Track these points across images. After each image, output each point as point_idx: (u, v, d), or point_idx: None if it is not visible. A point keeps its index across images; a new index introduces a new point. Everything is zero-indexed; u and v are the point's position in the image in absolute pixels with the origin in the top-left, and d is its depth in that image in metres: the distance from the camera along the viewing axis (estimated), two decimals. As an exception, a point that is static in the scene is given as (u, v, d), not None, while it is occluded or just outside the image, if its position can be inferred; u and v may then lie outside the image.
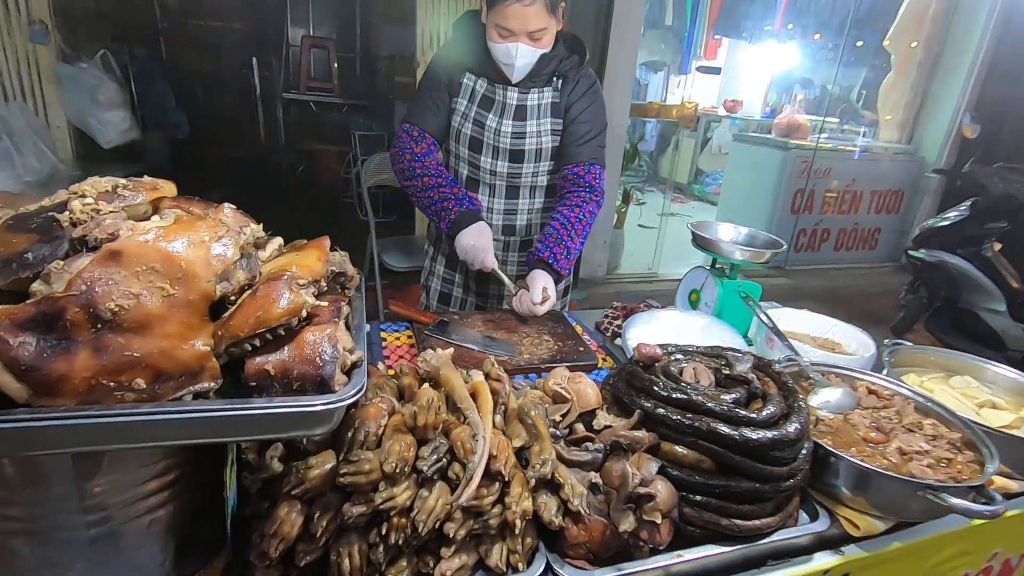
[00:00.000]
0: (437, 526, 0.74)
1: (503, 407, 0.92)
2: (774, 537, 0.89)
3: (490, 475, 0.76)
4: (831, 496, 1.00)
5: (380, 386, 0.92)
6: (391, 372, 1.12)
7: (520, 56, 1.39)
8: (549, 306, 1.45)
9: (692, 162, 8.03)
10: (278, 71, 6.24)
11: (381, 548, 0.71)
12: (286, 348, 0.59)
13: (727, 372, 0.97)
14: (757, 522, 0.86)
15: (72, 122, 3.03)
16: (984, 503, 0.90)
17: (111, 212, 0.59)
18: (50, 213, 0.59)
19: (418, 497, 0.74)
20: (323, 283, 0.69)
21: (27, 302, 0.52)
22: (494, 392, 0.94)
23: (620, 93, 3.81)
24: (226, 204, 0.65)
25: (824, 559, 0.93)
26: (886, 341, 1.46)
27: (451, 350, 0.95)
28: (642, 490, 0.79)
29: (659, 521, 0.78)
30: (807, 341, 1.51)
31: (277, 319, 0.57)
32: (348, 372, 0.63)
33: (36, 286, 0.53)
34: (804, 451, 0.90)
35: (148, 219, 0.61)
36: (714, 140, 7.75)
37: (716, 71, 7.20)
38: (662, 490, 0.81)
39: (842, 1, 6.12)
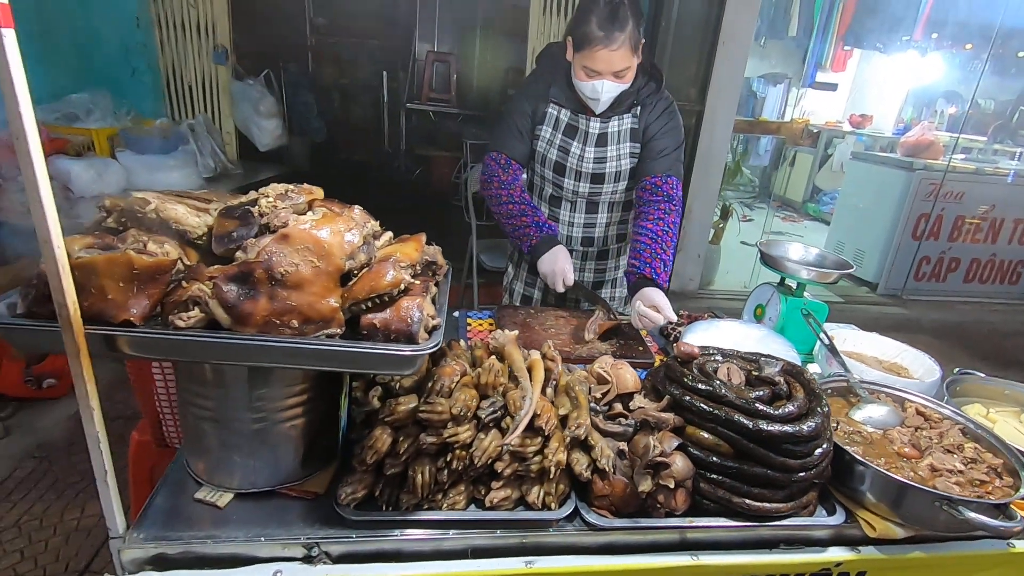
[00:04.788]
0: (489, 463, 0.95)
1: (554, 382, 1.11)
2: (787, 522, 1.00)
3: (533, 430, 0.96)
4: (856, 501, 1.07)
5: (458, 355, 1.15)
6: (469, 347, 1.33)
7: (605, 92, 1.56)
8: (666, 321, 1.52)
9: (808, 179, 7.63)
10: (404, 83, 6.83)
11: (446, 472, 0.94)
12: (388, 310, 0.83)
13: (756, 374, 1.08)
14: (768, 505, 0.98)
15: (239, 129, 3.64)
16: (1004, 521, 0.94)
17: (283, 208, 0.87)
18: (246, 207, 0.87)
19: (476, 438, 0.95)
20: (418, 267, 0.93)
21: (232, 264, 0.81)
22: (548, 369, 1.13)
23: (723, 108, 3.82)
24: (356, 206, 0.91)
25: (838, 553, 1.02)
26: (956, 369, 1.45)
27: (516, 332, 1.16)
28: (660, 459, 0.94)
29: (672, 486, 0.93)
30: (872, 363, 1.54)
31: (384, 288, 0.81)
32: (430, 332, 0.86)
33: (238, 254, 0.82)
34: (820, 450, 1.00)
35: (305, 214, 0.89)
36: (835, 157, 7.30)
37: (832, 87, 6.79)
38: (679, 463, 0.96)
39: (999, 8, 5.55)
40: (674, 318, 1.50)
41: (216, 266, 0.82)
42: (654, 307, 1.50)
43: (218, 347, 0.78)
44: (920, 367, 1.48)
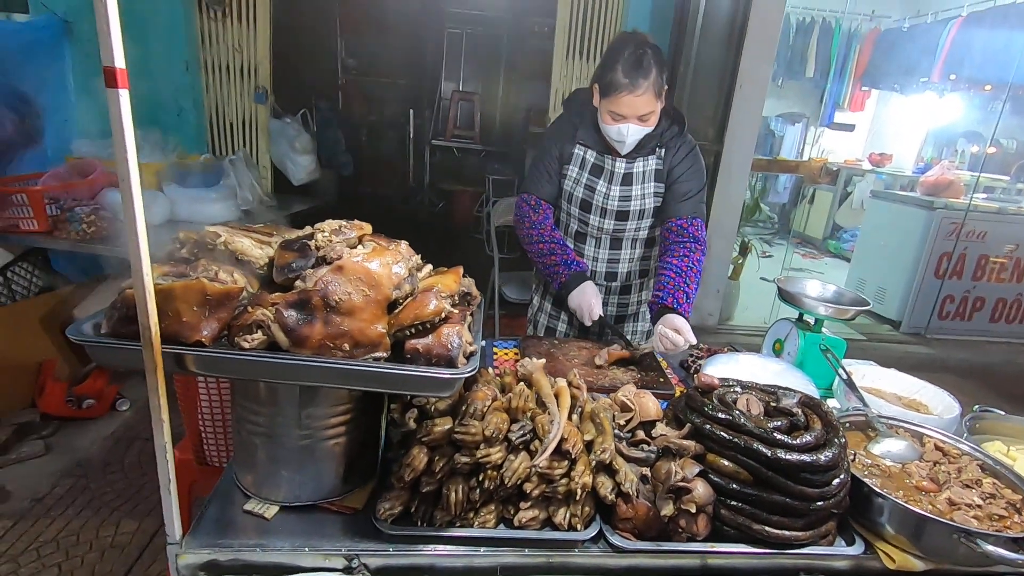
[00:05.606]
0: (519, 483, 1.00)
1: (580, 408, 1.17)
2: (807, 551, 1.03)
3: (560, 453, 1.01)
4: (875, 533, 1.10)
5: (488, 382, 1.21)
6: (497, 375, 1.40)
7: (630, 135, 1.65)
8: (687, 344, 1.61)
9: (828, 217, 7.63)
10: (429, 120, 7.10)
11: (478, 491, 0.99)
12: (430, 336, 0.90)
13: (774, 405, 1.13)
14: (787, 532, 1.01)
15: (274, 164, 3.83)
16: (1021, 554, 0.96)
17: (338, 242, 0.96)
18: (304, 241, 0.96)
19: (507, 459, 1.01)
20: (456, 297, 1.01)
21: (292, 291, 0.89)
22: (573, 396, 1.19)
23: (741, 147, 3.91)
24: (403, 241, 1.00)
25: (858, 584, 1.04)
26: (976, 406, 1.47)
27: (544, 360, 1.22)
28: (682, 483, 0.98)
29: (693, 511, 0.97)
30: (891, 399, 1.56)
31: (427, 316, 0.89)
32: (468, 357, 0.93)
33: (297, 283, 0.90)
34: (838, 480, 1.03)
35: (356, 247, 0.97)
36: (855, 194, 7.33)
37: (850, 128, 6.85)
38: (700, 488, 1.00)
39: (1017, 50, 5.60)
40: (694, 340, 1.58)
41: (277, 293, 0.91)
42: (675, 330, 1.56)
43: (278, 367, 0.86)
44: (939, 404, 1.50)
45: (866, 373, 1.64)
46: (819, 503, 1.01)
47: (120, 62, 0.69)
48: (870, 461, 1.21)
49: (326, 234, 0.97)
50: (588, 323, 1.74)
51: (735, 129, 3.85)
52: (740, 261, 4.41)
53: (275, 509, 1.00)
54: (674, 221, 1.77)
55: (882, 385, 1.63)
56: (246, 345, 0.86)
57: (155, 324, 0.80)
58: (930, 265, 4.61)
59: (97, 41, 0.70)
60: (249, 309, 0.88)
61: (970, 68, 5.94)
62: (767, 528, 1.01)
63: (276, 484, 1.01)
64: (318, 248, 0.95)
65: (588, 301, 1.74)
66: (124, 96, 0.70)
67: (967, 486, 1.14)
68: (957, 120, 6.98)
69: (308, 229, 1.02)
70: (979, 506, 1.09)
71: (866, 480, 1.09)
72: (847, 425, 1.33)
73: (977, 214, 4.63)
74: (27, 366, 2.68)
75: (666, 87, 1.64)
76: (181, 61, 3.54)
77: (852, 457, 1.18)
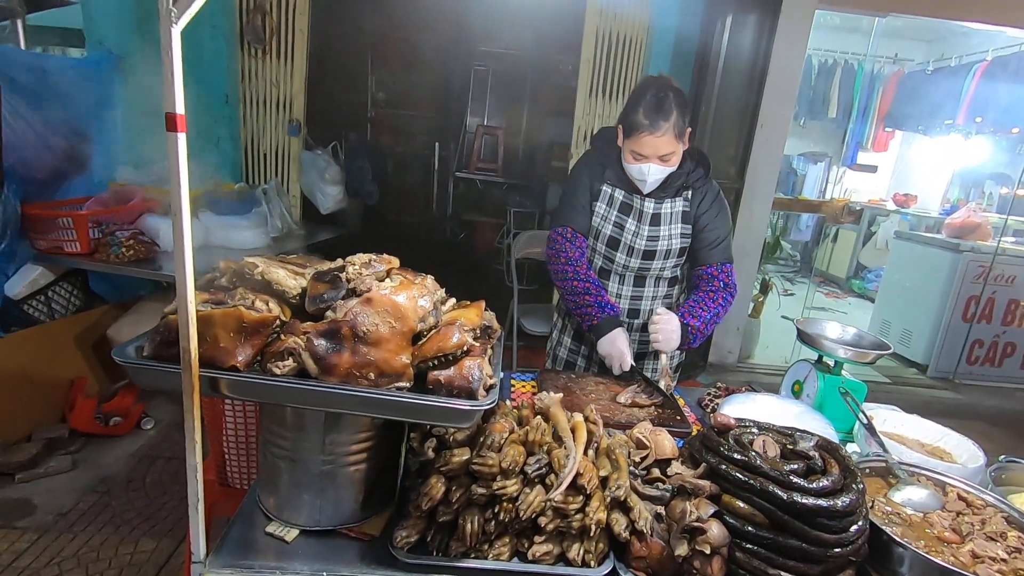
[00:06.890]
0: (533, 517, 1.01)
1: (596, 444, 1.18)
2: (823, 600, 1.01)
3: (575, 488, 1.02)
4: (895, 583, 1.08)
5: (506, 414, 1.23)
6: (515, 407, 1.42)
7: (651, 174, 1.70)
8: (665, 329, 1.71)
9: (852, 256, 7.56)
10: (454, 153, 7.27)
11: (493, 523, 1.00)
12: (452, 368, 0.94)
13: (791, 448, 1.13)
14: (803, 579, 1.00)
15: (304, 193, 3.96)
16: (1049, 614, 0.94)
17: (367, 274, 1.00)
18: (335, 273, 1.01)
19: (522, 492, 1.02)
20: (478, 331, 1.04)
21: (323, 321, 0.94)
22: (589, 432, 1.21)
23: (762, 186, 3.93)
24: (428, 275, 1.05)
25: (877, 637, 1.02)
26: (1001, 457, 1.44)
27: (561, 394, 1.24)
28: (696, 524, 0.99)
29: (708, 552, 0.97)
30: (914, 446, 1.54)
31: (450, 349, 0.93)
32: (488, 390, 0.96)
33: (328, 313, 0.95)
34: (856, 526, 1.02)
35: (384, 280, 1.02)
36: (880, 234, 7.24)
37: (872, 169, 6.84)
38: (715, 529, 1.00)
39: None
40: (676, 322, 1.72)
41: (308, 323, 0.95)
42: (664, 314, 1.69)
43: (307, 393, 0.90)
44: (963, 452, 1.47)
45: (887, 418, 1.62)
46: (836, 550, 1.00)
47: (180, 108, 0.75)
48: (890, 509, 1.19)
49: (357, 267, 1.02)
50: (618, 372, 1.75)
51: (756, 167, 3.89)
52: (761, 299, 4.39)
53: (295, 533, 1.02)
54: (705, 269, 1.81)
55: (904, 431, 1.60)
56: (277, 371, 0.90)
57: (195, 348, 0.85)
58: (957, 308, 4.52)
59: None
60: (282, 337, 0.93)
61: (996, 111, 5.92)
62: (783, 573, 1.00)
63: (297, 508, 1.03)
64: (349, 280, 1.00)
65: (620, 350, 1.74)
66: (182, 139, 0.76)
67: (991, 539, 1.12)
68: (984, 162, 6.92)
69: (340, 261, 1.07)
70: (1004, 560, 1.06)
71: (885, 528, 1.08)
72: (866, 471, 1.32)
73: (1005, 257, 4.55)
74: (60, 382, 2.77)
75: (689, 129, 1.69)
76: (222, 94, 3.73)
77: (871, 504, 1.17)
